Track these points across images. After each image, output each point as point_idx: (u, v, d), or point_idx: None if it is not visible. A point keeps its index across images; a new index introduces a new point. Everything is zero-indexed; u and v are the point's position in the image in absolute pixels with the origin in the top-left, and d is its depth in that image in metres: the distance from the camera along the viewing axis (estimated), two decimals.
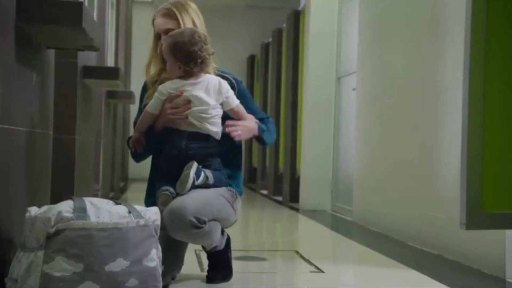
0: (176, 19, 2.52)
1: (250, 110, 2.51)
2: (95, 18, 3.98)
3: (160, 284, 2.15)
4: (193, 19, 2.54)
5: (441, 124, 3.46)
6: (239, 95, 2.48)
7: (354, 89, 5.17)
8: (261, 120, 2.54)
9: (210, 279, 2.50)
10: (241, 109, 2.45)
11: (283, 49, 7.26)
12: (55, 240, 1.95)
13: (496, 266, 2.79)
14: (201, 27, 2.55)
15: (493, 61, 2.12)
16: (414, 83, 3.88)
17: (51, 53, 2.68)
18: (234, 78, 2.55)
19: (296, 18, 6.56)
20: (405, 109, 4.01)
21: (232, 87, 2.47)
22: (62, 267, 1.94)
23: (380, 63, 4.48)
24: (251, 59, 9.67)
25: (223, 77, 2.49)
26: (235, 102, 2.42)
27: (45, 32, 2.27)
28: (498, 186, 2.11)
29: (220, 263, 2.52)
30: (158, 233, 2.19)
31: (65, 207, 2.01)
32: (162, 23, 2.53)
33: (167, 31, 2.49)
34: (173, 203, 2.32)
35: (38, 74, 2.46)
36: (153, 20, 2.57)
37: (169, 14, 2.52)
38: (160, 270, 2.17)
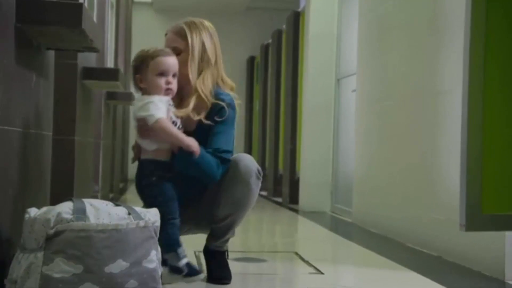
0: (185, 40, 2.48)
1: (212, 136, 2.40)
2: (94, 19, 3.98)
3: (160, 286, 2.15)
4: (203, 41, 2.48)
5: (441, 126, 3.46)
6: (222, 119, 2.43)
7: (354, 91, 5.17)
8: (215, 150, 2.39)
9: (218, 279, 2.49)
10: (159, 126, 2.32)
11: (283, 50, 7.26)
12: (55, 241, 1.95)
13: (496, 268, 2.79)
14: (212, 50, 2.49)
15: (493, 64, 2.12)
16: (414, 85, 3.88)
17: (50, 54, 2.68)
18: (228, 104, 2.45)
19: (296, 20, 6.57)
20: (405, 111, 4.01)
21: (222, 113, 2.43)
22: (61, 268, 1.93)
23: (380, 65, 4.48)
24: (251, 60, 9.67)
25: (216, 103, 2.43)
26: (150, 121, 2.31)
27: (44, 33, 2.27)
28: (498, 188, 2.11)
29: (223, 265, 2.54)
30: (158, 235, 2.19)
31: (65, 208, 2.01)
32: (171, 39, 2.51)
33: (173, 49, 2.47)
34: (240, 157, 2.44)
35: (38, 75, 2.46)
36: (166, 34, 2.56)
37: (180, 33, 2.49)
38: (159, 271, 2.17)
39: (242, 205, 2.47)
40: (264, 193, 7.78)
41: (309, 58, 5.90)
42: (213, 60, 2.49)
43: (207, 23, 2.53)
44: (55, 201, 2.20)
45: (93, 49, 2.53)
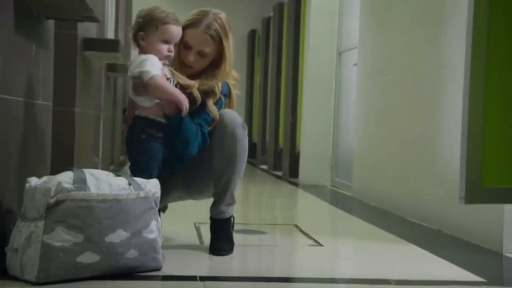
0: (217, 45, 2.47)
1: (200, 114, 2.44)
2: None
3: (160, 256, 2.16)
4: (230, 47, 2.50)
5: (442, 99, 3.45)
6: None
7: (355, 65, 5.14)
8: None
9: (216, 250, 2.50)
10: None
11: (284, 24, 7.21)
12: (55, 210, 1.96)
13: (494, 240, 2.80)
14: (230, 50, 2.50)
15: (496, 37, 2.11)
16: (415, 59, 3.86)
17: (50, 24, 2.66)
18: (225, 92, 2.52)
19: None
20: (406, 85, 4.00)
21: (219, 105, 2.49)
22: (62, 237, 1.95)
23: (382, 38, 4.46)
24: (252, 34, 9.62)
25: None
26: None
27: (44, 3, 2.25)
28: (498, 160, 2.11)
29: (224, 235, 2.54)
30: (158, 205, 2.20)
31: (65, 178, 2.02)
32: (202, 40, 2.45)
33: (199, 52, 2.45)
34: (224, 111, 2.48)
35: (38, 45, 2.45)
36: (190, 23, 2.46)
37: (213, 36, 2.45)
38: (160, 242, 2.18)
39: (233, 158, 2.46)
40: (264, 166, 7.79)
41: (310, 31, 5.86)
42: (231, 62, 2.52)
43: (225, 16, 2.52)
44: (55, 172, 2.20)
45: (93, 19, 2.52)
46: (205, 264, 2.39)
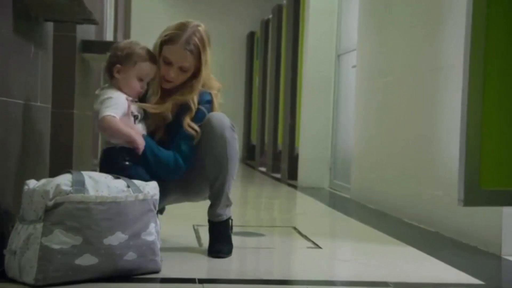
0: (198, 58, 2.45)
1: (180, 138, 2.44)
2: None
3: (158, 258, 2.16)
4: (208, 60, 2.48)
5: (441, 101, 3.46)
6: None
7: (354, 67, 5.15)
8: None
9: (214, 252, 2.50)
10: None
11: (283, 26, 7.22)
12: (54, 213, 1.96)
13: (493, 243, 2.81)
14: (207, 63, 2.48)
15: (494, 39, 2.11)
16: (414, 60, 3.87)
17: (49, 26, 2.66)
18: (207, 101, 2.51)
19: None
20: (404, 87, 4.00)
21: (200, 118, 2.48)
22: (61, 239, 1.95)
23: (381, 41, 4.46)
24: (251, 36, 9.62)
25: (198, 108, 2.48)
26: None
27: (43, 5, 2.25)
28: (496, 163, 2.11)
29: (223, 238, 2.54)
30: (157, 208, 2.20)
31: (64, 180, 2.02)
32: (181, 56, 2.42)
33: (181, 68, 2.44)
34: (212, 115, 2.48)
35: (36, 47, 2.45)
36: (169, 39, 2.44)
37: (192, 51, 2.43)
38: (158, 244, 2.18)
39: (224, 161, 2.46)
40: (263, 168, 7.79)
41: (309, 33, 5.87)
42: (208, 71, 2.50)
43: (204, 28, 2.49)
44: (54, 174, 2.20)
45: (92, 21, 2.52)
46: (203, 266, 2.39)
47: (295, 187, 5.83)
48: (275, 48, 7.46)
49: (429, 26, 3.63)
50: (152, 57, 2.41)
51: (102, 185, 2.06)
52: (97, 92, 2.42)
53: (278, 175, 6.87)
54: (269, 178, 6.81)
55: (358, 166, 4.83)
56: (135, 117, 2.40)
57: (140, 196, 2.12)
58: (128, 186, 2.12)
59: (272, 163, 7.33)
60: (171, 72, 2.44)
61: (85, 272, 1.98)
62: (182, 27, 2.45)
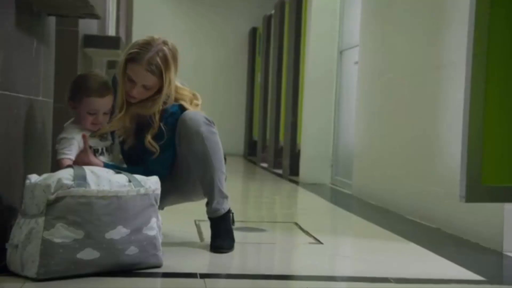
0: (160, 78, 2.42)
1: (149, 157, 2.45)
2: None
3: (160, 253, 2.17)
4: (171, 78, 2.44)
5: (442, 98, 3.45)
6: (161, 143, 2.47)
7: (356, 63, 5.14)
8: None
9: (215, 248, 2.50)
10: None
11: (285, 22, 7.21)
12: (56, 207, 1.96)
13: (494, 239, 2.81)
14: (171, 82, 2.45)
15: (497, 35, 2.10)
16: (416, 58, 3.86)
17: (51, 21, 2.66)
18: (171, 113, 2.49)
19: None
20: (407, 84, 4.00)
21: (161, 137, 2.46)
22: (62, 234, 1.95)
23: (383, 37, 4.45)
24: (253, 32, 9.61)
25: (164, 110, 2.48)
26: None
27: None
28: (498, 159, 2.11)
29: (224, 233, 2.53)
30: (158, 202, 2.20)
31: (65, 174, 2.02)
32: (143, 76, 2.40)
33: (144, 86, 2.42)
34: (185, 114, 2.47)
35: (39, 42, 2.45)
36: (133, 58, 2.40)
37: (153, 71, 2.41)
38: (160, 239, 2.18)
39: (207, 157, 2.45)
40: (264, 164, 7.79)
41: (311, 29, 5.86)
42: (173, 86, 2.48)
43: (170, 45, 2.45)
44: (56, 169, 2.21)
45: (94, 16, 2.52)
46: (205, 261, 2.40)
47: (296, 183, 5.83)
48: (277, 44, 7.45)
49: (432, 23, 3.63)
50: (102, 91, 2.36)
51: (103, 180, 2.06)
52: (65, 125, 2.44)
53: (279, 171, 6.88)
54: (271, 174, 6.81)
55: (359, 162, 4.82)
56: (96, 150, 2.42)
57: (142, 191, 2.13)
58: (130, 181, 2.12)
59: (274, 159, 7.33)
60: (134, 90, 2.43)
61: (87, 266, 1.98)
62: (146, 45, 2.42)
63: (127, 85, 2.44)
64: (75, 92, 2.38)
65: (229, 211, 2.56)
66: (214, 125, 2.52)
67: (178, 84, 2.54)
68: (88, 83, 2.37)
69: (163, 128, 2.47)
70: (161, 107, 2.47)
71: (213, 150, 2.47)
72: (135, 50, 2.42)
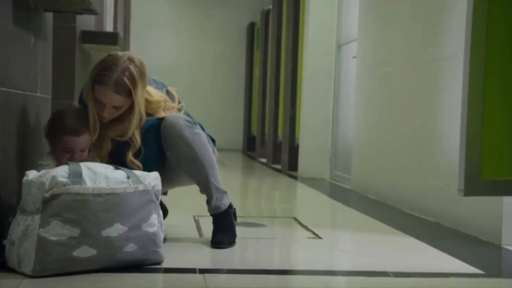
0: (128, 96, 2.34)
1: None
2: None
3: (160, 249, 2.16)
4: (140, 97, 2.36)
5: (441, 92, 3.45)
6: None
7: (354, 57, 5.14)
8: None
9: (216, 243, 2.50)
10: None
11: (284, 16, 7.20)
12: (51, 204, 1.95)
13: (493, 233, 2.81)
14: (141, 99, 2.39)
15: (495, 28, 2.10)
16: (414, 51, 3.86)
17: (49, 16, 2.66)
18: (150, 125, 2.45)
19: None
20: (405, 77, 3.99)
21: (139, 154, 2.43)
22: (58, 231, 1.94)
23: (381, 31, 4.45)
24: (251, 26, 9.60)
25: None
26: None
27: None
28: (496, 153, 2.11)
29: (225, 227, 2.53)
30: (159, 198, 2.19)
31: (60, 171, 2.01)
32: (111, 99, 2.32)
33: (114, 107, 2.35)
34: (165, 119, 2.45)
35: (36, 38, 2.44)
36: (99, 79, 2.31)
37: (121, 92, 2.32)
38: (161, 235, 2.17)
39: (195, 159, 2.45)
40: (263, 159, 7.79)
41: (309, 24, 5.85)
42: (143, 103, 2.41)
43: (137, 62, 2.37)
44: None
45: (91, 11, 2.51)
46: (204, 256, 2.40)
47: (295, 177, 5.84)
48: (275, 38, 7.44)
49: (430, 16, 3.62)
50: (78, 129, 2.29)
51: (100, 176, 2.05)
52: (44, 154, 2.40)
53: (278, 166, 6.88)
54: (270, 169, 6.81)
55: (358, 156, 4.82)
56: None
57: (140, 187, 2.11)
58: (128, 177, 2.11)
59: (273, 154, 7.33)
60: (105, 111, 2.36)
61: (84, 264, 1.98)
62: (111, 66, 2.33)
63: (97, 106, 2.35)
64: (51, 128, 2.30)
65: (230, 206, 2.56)
66: (196, 124, 2.50)
67: (149, 89, 2.46)
68: (64, 121, 2.28)
69: (142, 147, 2.41)
70: (137, 127, 2.40)
71: (201, 152, 2.45)
72: (100, 72, 2.34)
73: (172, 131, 2.44)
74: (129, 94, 2.35)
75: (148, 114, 2.45)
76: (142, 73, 2.38)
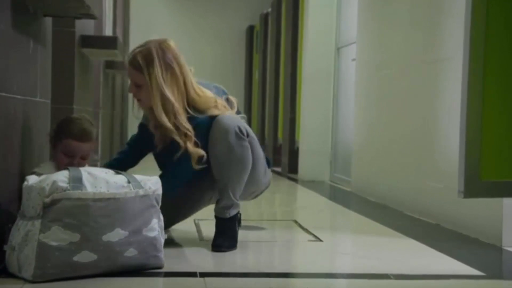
0: (143, 73, 2.43)
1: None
2: None
3: (161, 254, 2.16)
4: (157, 76, 2.41)
5: (440, 94, 3.45)
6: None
7: (353, 60, 5.14)
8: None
9: (216, 246, 2.50)
10: None
11: (283, 19, 7.21)
12: (52, 210, 1.95)
13: (493, 234, 2.81)
14: (176, 73, 2.44)
15: (494, 30, 2.10)
16: (413, 53, 3.86)
17: (48, 21, 2.66)
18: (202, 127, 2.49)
19: None
20: (404, 79, 4.00)
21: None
22: (58, 236, 1.94)
23: (380, 33, 4.45)
24: (250, 29, 9.61)
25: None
26: None
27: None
28: (496, 154, 2.11)
29: (227, 232, 2.53)
30: (160, 203, 2.19)
31: (61, 177, 2.00)
32: (131, 74, 2.46)
33: (135, 84, 2.45)
34: (221, 117, 2.46)
35: (35, 42, 2.44)
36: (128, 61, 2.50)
37: (136, 67, 2.44)
38: (162, 240, 2.17)
39: (225, 165, 2.46)
40: None
41: (309, 27, 5.86)
42: (176, 86, 2.44)
43: (168, 44, 2.44)
44: None
45: (90, 16, 2.51)
46: (205, 260, 2.39)
47: (295, 180, 5.83)
48: (274, 41, 7.45)
49: (429, 17, 3.63)
50: (82, 136, 2.30)
51: (100, 181, 2.05)
52: (43, 164, 2.41)
53: (278, 169, 6.88)
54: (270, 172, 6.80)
55: (358, 159, 4.82)
56: None
57: (141, 192, 2.11)
58: (129, 182, 2.11)
59: (273, 157, 7.33)
60: (131, 87, 2.49)
61: (84, 269, 1.98)
62: (138, 46, 2.49)
63: (130, 87, 2.50)
64: (57, 131, 2.33)
65: (236, 214, 2.56)
66: (247, 136, 2.48)
67: (202, 88, 2.51)
68: (70, 126, 2.31)
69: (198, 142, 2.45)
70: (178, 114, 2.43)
71: (234, 163, 2.45)
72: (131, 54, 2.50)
73: (220, 131, 2.43)
74: (142, 70, 2.42)
75: (199, 111, 2.47)
76: (163, 54, 2.43)
